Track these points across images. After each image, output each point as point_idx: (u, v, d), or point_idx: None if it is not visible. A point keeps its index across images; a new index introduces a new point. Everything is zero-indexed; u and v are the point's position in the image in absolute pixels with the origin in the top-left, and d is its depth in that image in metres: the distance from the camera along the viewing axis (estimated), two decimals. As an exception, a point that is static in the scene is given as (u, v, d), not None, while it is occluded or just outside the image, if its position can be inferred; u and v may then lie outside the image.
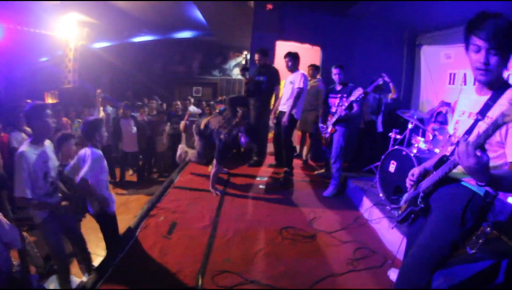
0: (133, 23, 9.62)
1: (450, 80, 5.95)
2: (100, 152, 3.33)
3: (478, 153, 1.45)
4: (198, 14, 8.57)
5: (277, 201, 4.61)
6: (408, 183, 2.23)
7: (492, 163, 1.65)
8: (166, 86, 12.75)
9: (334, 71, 4.85)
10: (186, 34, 11.45)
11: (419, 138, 4.56)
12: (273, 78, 5.71)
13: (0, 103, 8.62)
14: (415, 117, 4.85)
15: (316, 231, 3.85)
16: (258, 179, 5.47)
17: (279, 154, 5.97)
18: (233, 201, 4.50)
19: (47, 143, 3.24)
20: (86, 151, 3.28)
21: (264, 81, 5.63)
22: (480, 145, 1.47)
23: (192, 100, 10.53)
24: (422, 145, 4.31)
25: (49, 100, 11.52)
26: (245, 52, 6.14)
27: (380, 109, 5.84)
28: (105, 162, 3.44)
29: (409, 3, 4.97)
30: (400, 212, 2.33)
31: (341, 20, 6.57)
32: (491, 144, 1.74)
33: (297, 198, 4.86)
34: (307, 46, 6.88)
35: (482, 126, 1.73)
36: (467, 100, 1.98)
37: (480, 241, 3.35)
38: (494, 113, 1.70)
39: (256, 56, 5.63)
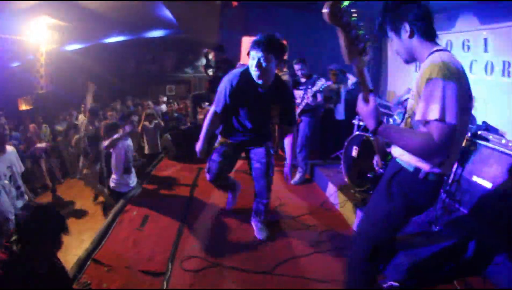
0: (105, 24, 9.43)
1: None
2: None
3: (365, 102, 1.65)
4: (167, 13, 8.53)
5: (245, 190, 4.60)
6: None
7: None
8: (139, 86, 12.62)
9: (296, 67, 4.93)
10: (157, 33, 11.36)
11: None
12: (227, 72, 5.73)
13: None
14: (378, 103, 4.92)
15: (281, 216, 3.94)
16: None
17: None
18: (203, 194, 4.54)
19: (9, 148, 3.25)
20: None
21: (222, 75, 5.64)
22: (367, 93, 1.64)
23: (165, 98, 10.47)
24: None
25: (23, 107, 11.23)
26: (205, 50, 6.09)
27: (339, 98, 5.88)
28: None
29: None
30: None
31: (306, 14, 6.63)
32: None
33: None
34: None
35: (410, 101, 1.86)
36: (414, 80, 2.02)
37: (444, 218, 3.44)
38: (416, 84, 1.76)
39: (211, 54, 5.71)
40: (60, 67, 9.99)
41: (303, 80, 4.94)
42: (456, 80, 1.53)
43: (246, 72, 2.92)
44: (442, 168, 1.73)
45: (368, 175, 3.78)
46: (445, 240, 3.20)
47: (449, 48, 5.07)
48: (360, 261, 2.06)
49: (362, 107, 1.66)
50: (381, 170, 2.24)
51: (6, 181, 3.18)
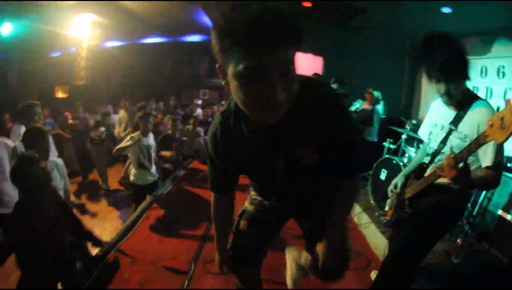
0: (144, 25, 9.73)
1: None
2: None
3: (461, 166, 1.66)
4: (205, 19, 8.68)
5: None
6: (390, 192, 2.35)
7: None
8: (174, 88, 12.79)
9: (335, 86, 4.82)
10: (194, 38, 11.54)
11: (410, 148, 4.60)
12: None
13: (13, 95, 8.71)
14: (408, 128, 4.88)
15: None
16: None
17: None
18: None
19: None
20: None
21: None
22: (463, 160, 1.67)
23: (200, 102, 10.56)
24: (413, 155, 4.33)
25: (60, 94, 11.66)
26: None
27: (371, 120, 5.83)
28: None
29: (412, 15, 4.97)
30: (387, 217, 2.36)
31: (344, 32, 6.61)
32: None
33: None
34: (309, 55, 6.91)
35: (455, 140, 1.94)
36: (440, 112, 2.11)
37: (466, 251, 3.37)
38: (464, 126, 1.89)
39: None
40: (99, 62, 10.37)
41: None
42: None
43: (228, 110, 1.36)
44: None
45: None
46: (463, 273, 3.13)
47: (483, 74, 5.00)
48: (402, 285, 2.10)
49: (456, 171, 1.66)
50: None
51: (60, 159, 3.27)
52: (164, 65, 13.24)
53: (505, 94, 4.70)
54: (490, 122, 1.49)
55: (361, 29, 6.62)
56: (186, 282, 2.68)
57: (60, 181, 3.17)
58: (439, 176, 1.86)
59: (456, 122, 1.93)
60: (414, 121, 5.65)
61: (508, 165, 3.83)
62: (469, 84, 1.95)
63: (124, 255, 2.99)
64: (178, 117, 6.39)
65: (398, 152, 4.90)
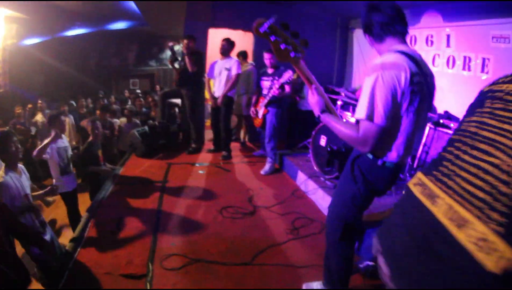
0: (65, 16, 8.87)
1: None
2: None
3: (312, 94, 2.05)
4: (131, 4, 8.11)
5: (217, 184, 4.62)
6: None
7: None
8: (102, 81, 11.99)
9: (266, 56, 4.84)
10: (120, 25, 10.69)
11: (347, 113, 4.75)
12: (201, 64, 5.57)
13: None
14: (343, 94, 5.02)
15: (255, 207, 3.92)
16: (197, 165, 5.39)
17: (217, 139, 5.99)
18: (174, 189, 4.42)
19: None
20: None
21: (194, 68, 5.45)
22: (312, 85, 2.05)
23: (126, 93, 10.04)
24: (351, 119, 4.46)
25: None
26: (171, 43, 5.80)
27: (303, 90, 5.93)
28: None
29: None
30: None
31: (274, 6, 6.51)
32: None
33: (236, 179, 4.88)
34: (240, 32, 6.78)
35: None
36: None
37: None
38: None
39: (186, 42, 5.38)
40: (18, 63, 9.34)
41: (270, 71, 4.90)
42: (391, 81, 1.68)
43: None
44: (397, 158, 1.86)
45: (328, 149, 3.91)
46: None
47: (413, 42, 5.27)
48: (335, 241, 2.17)
49: (310, 98, 2.06)
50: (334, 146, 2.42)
51: None
52: (90, 58, 12.26)
53: (433, 60, 5.07)
54: None
55: (292, 3, 6.57)
56: (148, 286, 2.56)
57: None
58: None
59: None
60: (350, 89, 5.85)
61: (441, 121, 4.16)
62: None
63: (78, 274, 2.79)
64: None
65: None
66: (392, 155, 1.86)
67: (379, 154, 1.87)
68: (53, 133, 3.87)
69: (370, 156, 1.90)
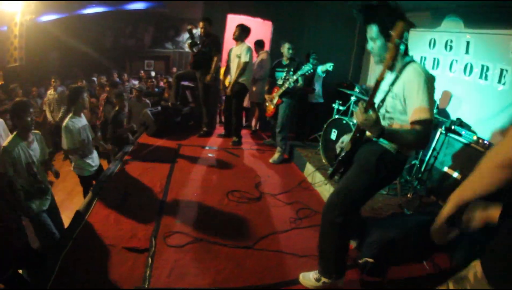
0: None
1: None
2: None
3: (369, 112, 1.78)
4: None
5: (225, 168, 4.62)
6: (338, 148, 2.45)
7: (402, 127, 2.01)
8: (117, 60, 11.86)
9: (287, 45, 4.78)
10: (137, 6, 10.70)
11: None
12: (214, 48, 5.43)
13: None
14: (357, 90, 4.97)
15: (261, 194, 3.91)
16: (207, 148, 5.38)
17: (228, 124, 5.97)
18: (182, 170, 4.42)
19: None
20: None
21: (208, 52, 5.39)
22: (369, 105, 1.82)
23: (142, 73, 9.93)
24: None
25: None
26: (189, 26, 5.73)
27: (312, 82, 5.87)
28: None
29: None
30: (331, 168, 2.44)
31: (294, -1, 6.43)
32: (399, 113, 2.02)
33: (245, 165, 4.86)
34: (258, 20, 6.71)
35: (389, 99, 2.06)
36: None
37: (416, 204, 3.58)
38: (397, 86, 1.99)
39: (201, 24, 5.33)
40: (34, 39, 9.25)
41: (285, 62, 4.84)
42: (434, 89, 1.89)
43: None
44: (409, 152, 2.13)
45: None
46: (416, 221, 3.25)
47: (432, 45, 5.16)
48: (335, 226, 2.22)
49: (364, 117, 1.80)
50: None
51: None
52: (105, 37, 12.10)
53: (451, 65, 4.94)
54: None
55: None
56: (150, 260, 2.57)
57: None
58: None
59: (393, 83, 2.01)
60: (363, 86, 5.78)
61: (453, 127, 4.06)
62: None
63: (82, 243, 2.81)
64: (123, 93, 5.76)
65: (348, 113, 4.97)
66: (409, 150, 2.12)
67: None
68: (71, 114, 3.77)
69: (393, 150, 2.07)
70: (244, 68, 5.27)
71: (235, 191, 3.86)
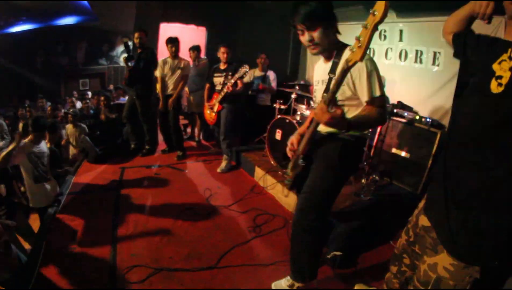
0: (10, 10, 7.99)
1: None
2: None
3: (331, 109, 1.70)
4: None
5: (173, 186, 4.37)
6: (289, 152, 2.25)
7: (355, 113, 1.96)
8: (50, 81, 10.94)
9: (223, 49, 4.60)
10: (68, 20, 9.76)
11: (301, 106, 4.68)
12: (151, 62, 5.11)
13: None
14: (296, 88, 4.96)
15: (214, 208, 3.76)
16: (152, 167, 5.04)
17: (169, 139, 5.66)
18: (129, 195, 4.07)
19: None
20: None
21: (144, 67, 5.05)
22: (331, 101, 1.70)
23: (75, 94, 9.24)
24: (306, 112, 4.39)
25: None
26: (125, 39, 5.40)
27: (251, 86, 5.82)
28: None
29: None
30: (290, 179, 2.29)
31: (227, 1, 6.27)
32: (348, 99, 1.97)
33: (193, 179, 4.65)
34: (192, 26, 6.50)
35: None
36: (319, 71, 2.15)
37: (372, 188, 3.62)
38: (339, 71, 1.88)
39: (137, 35, 4.96)
40: None
41: (222, 66, 4.69)
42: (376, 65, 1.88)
43: None
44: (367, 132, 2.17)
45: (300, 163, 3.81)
46: (374, 205, 3.45)
47: None
48: (312, 231, 2.13)
49: (329, 116, 1.69)
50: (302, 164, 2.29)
51: None
52: (36, 56, 10.97)
53: (386, 53, 5.20)
54: (351, 48, 1.54)
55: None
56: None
57: None
58: (318, 123, 1.89)
59: (333, 70, 1.94)
60: (302, 82, 5.78)
61: (395, 110, 4.25)
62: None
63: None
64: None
65: (290, 111, 4.93)
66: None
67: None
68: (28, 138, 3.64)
69: (353, 138, 2.03)
70: (187, 81, 5.14)
71: (187, 209, 3.66)
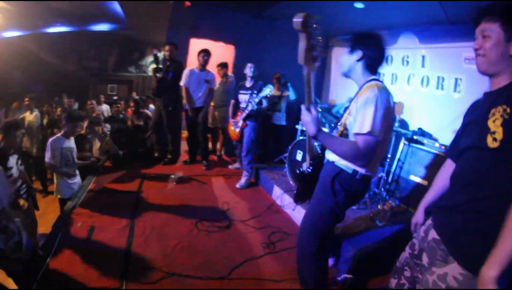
0: (49, 11, 8.33)
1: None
2: None
3: (308, 112, 1.88)
4: (116, 7, 7.74)
5: (192, 196, 4.41)
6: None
7: None
8: (80, 83, 11.22)
9: (249, 65, 4.75)
10: (102, 27, 10.12)
11: (324, 129, 4.68)
12: (179, 75, 5.27)
13: None
14: (320, 110, 4.99)
15: (231, 221, 3.78)
16: (172, 176, 5.10)
17: (193, 151, 5.81)
18: (148, 200, 4.16)
19: None
20: None
21: (171, 77, 5.23)
22: (310, 103, 1.88)
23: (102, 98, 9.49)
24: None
25: None
26: (155, 51, 5.54)
27: (280, 105, 5.81)
28: None
29: (322, 8, 4.97)
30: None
31: (256, 21, 6.42)
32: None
33: (212, 191, 4.70)
34: (221, 43, 6.65)
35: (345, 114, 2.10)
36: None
37: (388, 214, 3.58)
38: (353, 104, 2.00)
39: (168, 48, 5.18)
40: None
41: (248, 84, 4.80)
42: (386, 103, 1.81)
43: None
44: (371, 171, 2.03)
45: (297, 172, 3.84)
46: (389, 232, 3.40)
47: (389, 62, 5.42)
48: (311, 253, 2.17)
49: (305, 115, 1.90)
50: (308, 169, 2.37)
51: None
52: (68, 58, 11.35)
53: (409, 79, 5.20)
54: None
55: (274, 19, 6.49)
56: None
57: None
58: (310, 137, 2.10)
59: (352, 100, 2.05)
60: (325, 105, 5.83)
61: (414, 137, 4.24)
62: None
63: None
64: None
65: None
66: (370, 168, 2.01)
67: (362, 168, 2.00)
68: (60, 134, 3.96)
69: (350, 170, 2.01)
70: (213, 95, 5.32)
71: (204, 220, 3.68)
